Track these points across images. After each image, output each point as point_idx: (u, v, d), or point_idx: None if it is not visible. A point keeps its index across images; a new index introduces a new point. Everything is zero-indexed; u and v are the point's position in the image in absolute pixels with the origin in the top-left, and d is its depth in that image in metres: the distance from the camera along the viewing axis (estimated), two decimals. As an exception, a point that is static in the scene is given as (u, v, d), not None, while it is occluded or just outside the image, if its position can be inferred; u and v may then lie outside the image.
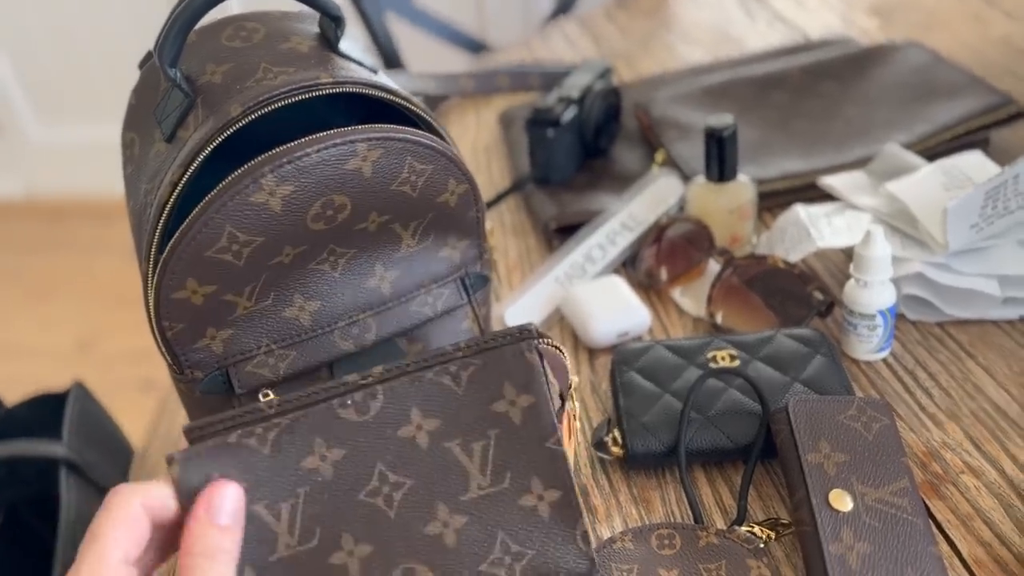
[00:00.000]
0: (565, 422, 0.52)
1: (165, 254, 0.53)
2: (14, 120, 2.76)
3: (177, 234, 0.52)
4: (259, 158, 0.51)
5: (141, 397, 2.00)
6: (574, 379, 0.53)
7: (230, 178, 0.51)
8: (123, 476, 0.72)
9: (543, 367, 0.51)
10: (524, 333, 0.50)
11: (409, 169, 0.56)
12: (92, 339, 2.30)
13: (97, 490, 0.85)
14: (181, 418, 0.75)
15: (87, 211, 2.75)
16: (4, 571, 0.87)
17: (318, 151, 0.52)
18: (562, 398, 0.53)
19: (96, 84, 2.62)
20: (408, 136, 0.56)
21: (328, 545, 0.47)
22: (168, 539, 0.48)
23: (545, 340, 0.51)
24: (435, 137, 0.58)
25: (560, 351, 0.52)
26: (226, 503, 0.45)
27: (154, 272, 0.55)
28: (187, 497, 0.45)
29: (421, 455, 0.49)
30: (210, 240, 0.52)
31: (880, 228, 0.65)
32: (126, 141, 0.63)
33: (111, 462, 0.90)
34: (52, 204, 2.82)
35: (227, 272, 0.54)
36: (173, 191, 0.54)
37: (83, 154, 2.72)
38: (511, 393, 0.50)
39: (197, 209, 0.52)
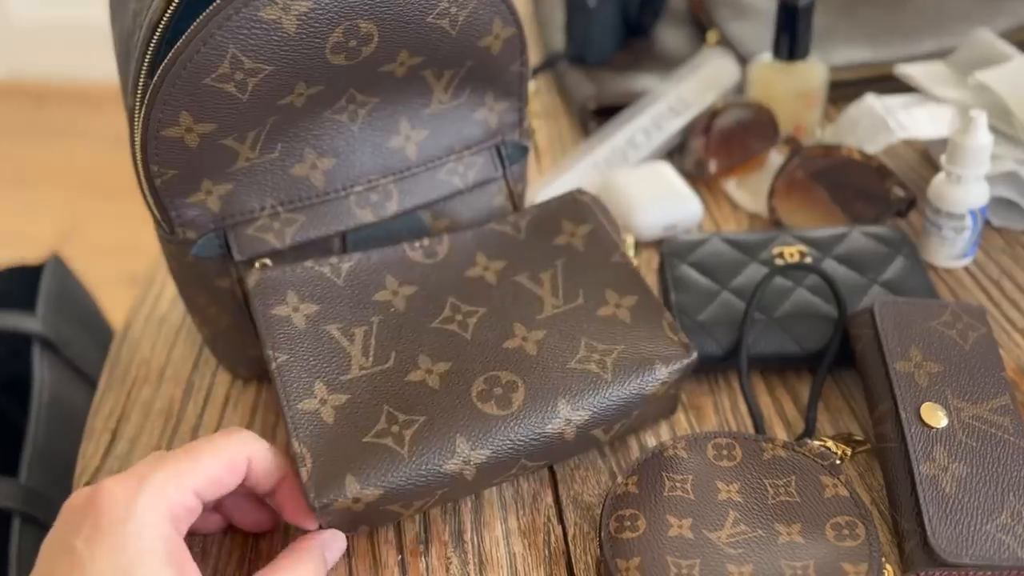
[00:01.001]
0: None
1: (155, 79, 0.44)
2: (-3, -4, 2.61)
3: (171, 53, 0.43)
4: (274, -39, 0.42)
5: (123, 291, 1.92)
6: (628, 237, 0.53)
7: (237, -16, 0.42)
8: (102, 356, 0.64)
9: (595, 206, 0.53)
10: (573, 191, 0.54)
11: (451, -3, 0.47)
12: (73, 228, 2.20)
13: (73, 370, 0.78)
14: (169, 294, 0.67)
15: (72, 95, 2.62)
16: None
17: (345, -42, 0.43)
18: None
19: (84, -41, 2.47)
20: (453, -45, 0.47)
21: (404, 365, 0.47)
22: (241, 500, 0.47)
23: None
24: (484, -37, 0.49)
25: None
26: (335, 551, 0.45)
27: (141, 104, 0.46)
28: (258, 303, 0.48)
29: (490, 289, 0.50)
30: (210, 63, 0.43)
31: (983, 114, 0.57)
32: (112, -43, 0.53)
33: (89, 341, 0.82)
34: (36, 86, 2.69)
35: (228, 108, 0.45)
36: (167, 8, 0.45)
37: (69, 34, 2.58)
38: (569, 227, 0.53)
39: (196, 23, 0.43)
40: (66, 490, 0.58)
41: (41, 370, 0.75)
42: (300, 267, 0.50)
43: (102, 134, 2.45)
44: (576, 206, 0.54)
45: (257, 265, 0.51)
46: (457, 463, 0.44)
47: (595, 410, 0.46)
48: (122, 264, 2.01)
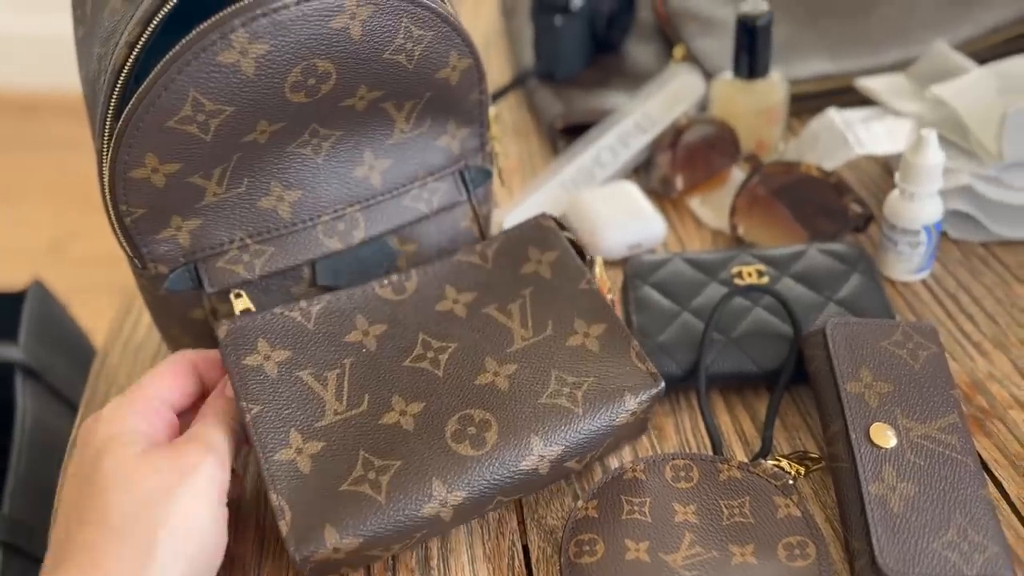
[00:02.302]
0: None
1: (120, 123, 0.45)
2: (-18, 7, 2.61)
3: (134, 99, 0.44)
4: (229, 9, 0.43)
5: (115, 303, 1.92)
6: (598, 257, 0.54)
7: (194, 32, 0.43)
8: (85, 381, 0.65)
9: (560, 231, 0.54)
10: (538, 217, 0.55)
11: (405, 34, 0.48)
12: (65, 241, 2.21)
13: (56, 396, 0.79)
14: (146, 322, 0.68)
15: (62, 107, 2.62)
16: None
17: (298, 3, 0.44)
18: (580, 254, 0.54)
19: (68, -30, 2.47)
20: (405, -7, 0.48)
21: (378, 407, 0.48)
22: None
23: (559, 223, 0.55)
24: (437, -1, 0.50)
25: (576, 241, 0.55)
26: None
27: (108, 146, 0.47)
28: (230, 354, 0.48)
29: (461, 322, 0.51)
30: (171, 107, 0.44)
31: (934, 132, 0.58)
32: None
33: (72, 367, 0.83)
34: (25, 99, 2.69)
35: (192, 148, 0.47)
36: (130, 53, 0.46)
37: (58, 46, 2.57)
38: (536, 254, 0.54)
39: (157, 68, 0.44)
40: (49, 519, 0.59)
41: (23, 398, 0.76)
42: (270, 314, 0.50)
43: (91, 145, 2.45)
44: (541, 232, 0.55)
45: (232, 301, 0.51)
46: (434, 506, 0.45)
47: (568, 444, 0.47)
48: (113, 276, 2.02)
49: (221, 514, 0.44)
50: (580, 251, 0.54)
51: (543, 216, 0.56)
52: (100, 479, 0.43)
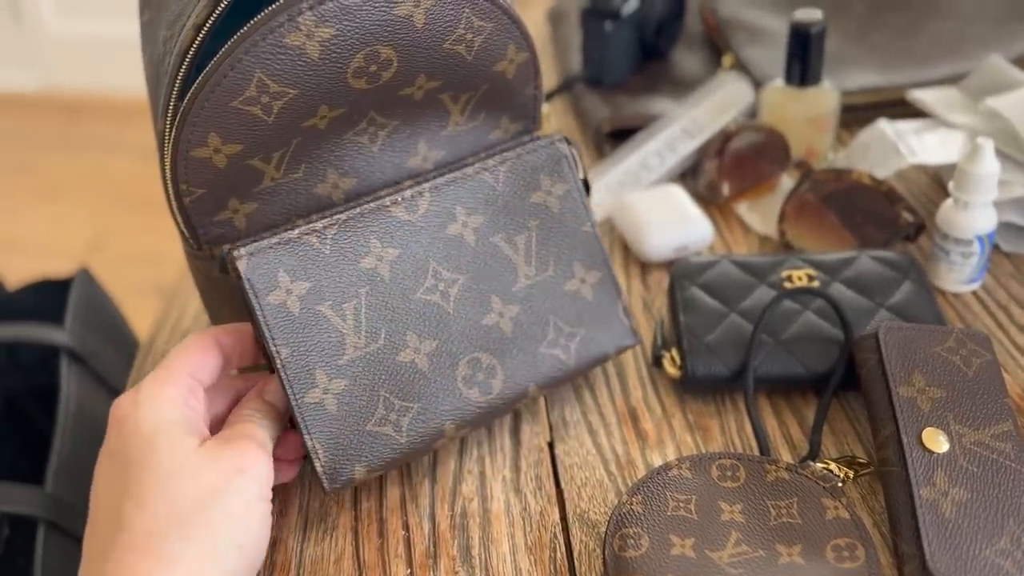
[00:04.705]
0: None
1: (185, 102, 0.46)
2: (33, 10, 2.67)
3: (200, 78, 0.45)
4: (297, -8, 0.44)
5: (151, 300, 1.95)
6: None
7: (263, 14, 0.44)
8: (127, 367, 0.66)
9: (573, 156, 0.55)
10: (555, 138, 0.55)
11: (466, 25, 0.49)
12: (103, 239, 2.24)
13: (99, 381, 0.80)
14: (192, 310, 0.69)
15: (104, 108, 2.67)
16: (1, 461, 0.82)
17: (365, -12, 0.45)
18: (586, 185, 0.56)
19: (118, -25, 2.52)
20: (468, -16, 0.48)
21: (394, 343, 0.50)
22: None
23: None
24: (497, -8, 0.50)
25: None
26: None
27: (172, 126, 0.48)
28: (253, 293, 0.48)
29: (470, 251, 0.52)
30: (237, 87, 0.45)
31: (990, 141, 0.57)
32: (143, -17, 0.55)
33: (115, 353, 0.84)
34: (68, 99, 2.74)
35: (255, 130, 0.47)
36: (197, 35, 0.47)
37: (102, 49, 2.63)
38: (547, 183, 0.54)
39: (224, 49, 0.44)
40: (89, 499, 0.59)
41: (68, 381, 0.77)
42: (287, 240, 0.49)
43: (132, 147, 2.49)
44: (555, 159, 0.55)
45: (240, 249, 0.49)
46: (443, 442, 0.52)
47: (556, 385, 0.54)
48: (149, 275, 2.05)
49: (268, 511, 0.45)
50: (587, 184, 0.56)
51: (562, 140, 0.55)
52: (157, 467, 0.43)
